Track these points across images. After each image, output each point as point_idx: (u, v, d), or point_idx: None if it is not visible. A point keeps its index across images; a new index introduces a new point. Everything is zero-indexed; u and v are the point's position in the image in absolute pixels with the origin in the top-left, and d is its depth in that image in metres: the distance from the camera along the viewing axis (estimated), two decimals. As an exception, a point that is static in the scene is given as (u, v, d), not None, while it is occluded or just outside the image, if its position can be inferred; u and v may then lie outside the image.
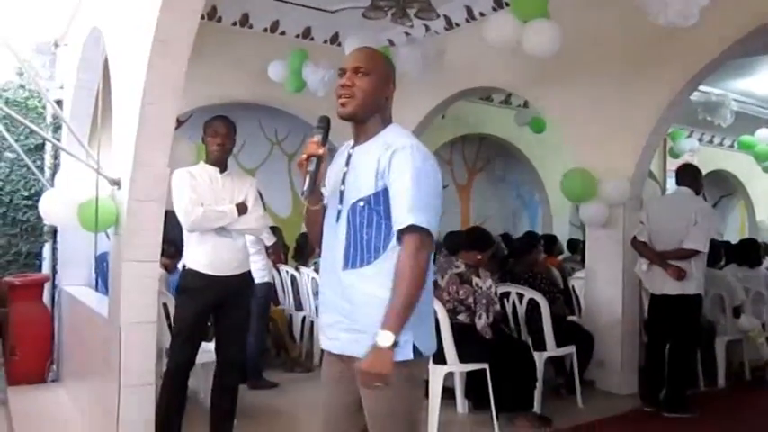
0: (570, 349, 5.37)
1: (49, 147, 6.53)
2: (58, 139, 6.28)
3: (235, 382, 4.13)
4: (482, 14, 6.87)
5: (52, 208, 4.35)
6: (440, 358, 4.65)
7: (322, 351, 2.46)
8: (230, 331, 4.03)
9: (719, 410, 5.49)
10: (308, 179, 2.27)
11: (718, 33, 5.16)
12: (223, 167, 4.07)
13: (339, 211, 2.31)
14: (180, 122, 7.23)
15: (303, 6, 7.13)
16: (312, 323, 6.82)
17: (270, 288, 6.26)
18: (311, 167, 2.26)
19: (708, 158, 12.94)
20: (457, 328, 4.70)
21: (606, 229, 6.04)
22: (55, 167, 6.47)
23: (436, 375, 4.67)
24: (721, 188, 14.83)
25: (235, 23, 7.29)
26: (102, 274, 6.28)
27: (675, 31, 4.77)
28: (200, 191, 3.90)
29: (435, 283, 4.92)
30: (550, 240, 8.70)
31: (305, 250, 7.51)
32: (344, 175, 2.33)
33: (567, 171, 6.16)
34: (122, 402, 3.59)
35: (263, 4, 7.15)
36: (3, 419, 4.97)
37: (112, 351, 3.71)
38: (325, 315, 2.37)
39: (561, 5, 5.47)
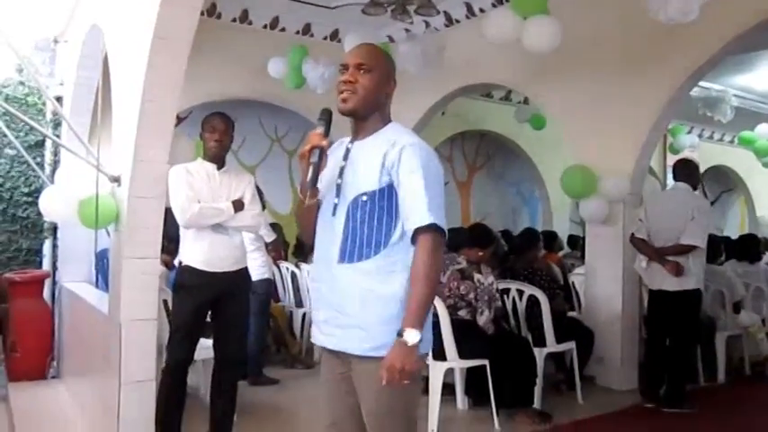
0: (570, 345, 5.37)
1: (49, 143, 6.53)
2: (58, 136, 6.28)
3: (234, 379, 4.13)
4: (482, 11, 6.87)
5: (52, 205, 4.35)
6: (440, 354, 4.66)
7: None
8: (228, 328, 4.02)
9: (719, 406, 5.50)
10: (310, 170, 2.25)
11: (718, 29, 5.16)
12: (221, 164, 4.06)
13: (336, 205, 2.30)
14: (180, 119, 7.23)
15: (303, 3, 7.13)
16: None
17: (270, 285, 6.26)
18: (314, 158, 2.24)
19: (708, 154, 12.94)
20: (457, 325, 4.71)
21: (606, 226, 6.04)
22: (55, 164, 6.46)
23: (436, 371, 4.67)
24: (721, 184, 14.83)
25: (234, 20, 7.29)
26: (103, 270, 6.28)
27: (675, 27, 4.77)
28: (198, 187, 3.90)
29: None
30: (550, 237, 8.69)
31: (305, 247, 7.50)
32: (342, 169, 2.32)
33: (567, 167, 6.16)
34: (122, 399, 3.59)
35: (262, 1, 7.15)
36: (3, 415, 4.99)
37: (113, 348, 3.71)
38: (320, 311, 2.35)
39: (561, 2, 5.46)
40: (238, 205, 3.95)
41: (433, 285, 2.16)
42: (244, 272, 4.10)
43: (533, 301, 5.29)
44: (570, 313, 6.24)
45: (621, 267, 5.93)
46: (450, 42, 6.92)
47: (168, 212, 3.83)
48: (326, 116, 2.33)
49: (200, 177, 3.95)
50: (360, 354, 2.20)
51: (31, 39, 6.47)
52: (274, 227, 6.65)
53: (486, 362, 4.69)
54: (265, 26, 7.50)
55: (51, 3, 5.97)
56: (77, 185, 4.08)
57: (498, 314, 5.05)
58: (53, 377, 6.04)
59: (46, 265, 6.64)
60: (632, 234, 5.50)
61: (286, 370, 6.35)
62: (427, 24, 7.37)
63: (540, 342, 5.15)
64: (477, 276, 4.95)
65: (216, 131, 4.00)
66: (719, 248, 6.91)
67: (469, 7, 7.00)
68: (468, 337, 4.72)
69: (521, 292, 5.42)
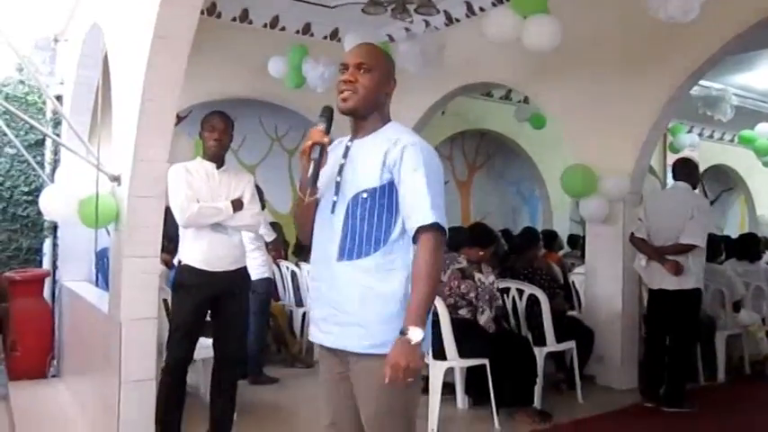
0: (570, 345, 5.37)
1: (49, 142, 6.53)
2: (58, 135, 6.28)
3: (233, 378, 4.13)
4: (482, 10, 6.87)
5: (52, 204, 4.35)
6: (440, 354, 4.66)
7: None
8: (228, 327, 4.02)
9: (719, 405, 5.50)
10: (311, 166, 2.25)
11: (718, 28, 5.16)
12: (220, 163, 4.05)
13: (334, 203, 2.29)
14: (180, 118, 7.24)
15: (303, 2, 7.13)
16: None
17: (270, 284, 6.27)
18: (315, 155, 2.24)
19: (708, 153, 12.95)
20: (457, 324, 4.71)
21: (606, 225, 6.05)
22: (55, 163, 6.46)
23: (436, 371, 4.67)
24: (721, 183, 14.84)
25: (234, 19, 7.29)
26: (103, 269, 6.29)
27: (675, 26, 4.76)
28: (197, 187, 3.89)
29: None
30: (550, 236, 8.70)
31: (305, 246, 7.50)
32: (341, 167, 2.32)
33: (567, 167, 6.16)
34: (123, 398, 3.59)
35: (262, 0, 7.14)
36: (4, 414, 4.99)
37: (113, 347, 3.71)
38: (318, 309, 2.34)
39: (561, 1, 5.46)
40: (237, 205, 3.94)
41: (434, 284, 2.16)
42: (243, 271, 4.10)
43: (533, 301, 5.29)
44: (570, 312, 6.24)
45: (621, 267, 5.93)
46: (450, 41, 6.92)
47: (168, 212, 3.83)
48: (328, 113, 2.34)
49: (199, 176, 3.95)
50: (359, 351, 2.20)
51: (31, 38, 6.47)
52: (274, 226, 6.65)
53: (486, 361, 4.69)
54: (265, 25, 7.50)
55: (51, 2, 5.96)
56: (77, 184, 4.09)
57: (499, 313, 5.05)
58: (53, 376, 6.04)
59: (46, 264, 6.64)
60: (632, 233, 5.50)
61: (286, 369, 6.35)
62: (427, 23, 7.37)
63: (541, 341, 5.15)
64: (477, 276, 4.95)
65: (215, 130, 3.99)
66: (719, 247, 6.91)
67: (469, 6, 7.00)
68: (468, 337, 4.72)
69: (521, 292, 5.42)
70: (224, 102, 6.81)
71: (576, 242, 9.54)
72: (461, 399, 5.23)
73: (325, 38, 7.87)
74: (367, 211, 2.23)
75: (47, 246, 6.66)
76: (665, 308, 5.26)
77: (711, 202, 13.62)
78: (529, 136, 10.70)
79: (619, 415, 5.18)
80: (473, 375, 5.04)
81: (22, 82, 6.61)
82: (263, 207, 5.83)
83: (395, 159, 2.22)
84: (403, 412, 2.26)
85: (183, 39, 3.44)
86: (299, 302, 7.13)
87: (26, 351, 5.88)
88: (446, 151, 11.10)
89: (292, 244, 8.03)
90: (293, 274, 7.16)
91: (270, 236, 6.18)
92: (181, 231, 3.98)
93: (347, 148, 2.36)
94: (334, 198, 2.30)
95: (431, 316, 2.25)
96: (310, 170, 2.25)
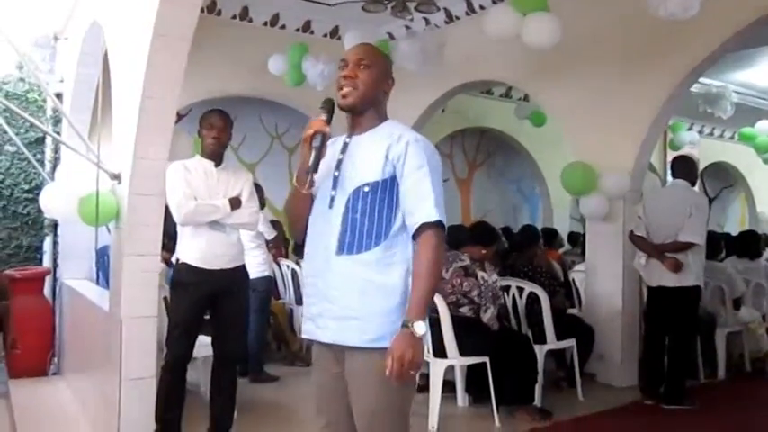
0: (570, 342, 5.37)
1: (49, 140, 6.53)
2: (59, 133, 6.28)
3: (232, 376, 4.14)
4: (482, 7, 6.86)
5: (53, 202, 4.35)
6: (441, 352, 4.66)
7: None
8: (226, 325, 4.02)
9: (720, 402, 5.51)
10: (313, 154, 2.26)
11: (718, 25, 5.16)
12: (219, 161, 4.05)
13: (333, 198, 2.30)
14: (180, 116, 7.24)
15: (303, 0, 7.11)
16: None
17: (270, 282, 6.27)
18: (316, 143, 2.26)
19: (708, 150, 12.96)
20: (458, 322, 4.71)
21: (606, 223, 6.05)
22: (55, 161, 6.46)
23: (437, 369, 4.68)
24: (722, 180, 14.83)
25: (234, 17, 7.29)
26: (103, 267, 6.29)
27: (675, 24, 4.76)
28: (195, 184, 3.90)
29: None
30: (550, 234, 8.72)
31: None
32: (340, 162, 2.33)
33: (568, 164, 6.16)
34: (123, 395, 3.60)
35: (262, -2, 7.15)
36: (4, 412, 4.99)
37: (113, 344, 3.71)
38: (313, 305, 2.33)
39: (561, -2, 5.46)
40: (235, 203, 3.94)
41: (436, 280, 2.19)
42: (241, 269, 4.10)
43: (534, 299, 5.30)
44: (570, 310, 6.24)
45: (622, 264, 5.93)
46: (450, 39, 6.92)
47: (168, 209, 3.83)
48: (329, 105, 2.35)
49: (197, 174, 3.95)
50: (358, 345, 2.20)
51: (31, 36, 6.45)
52: (275, 224, 6.66)
53: (486, 359, 4.69)
54: (265, 23, 7.49)
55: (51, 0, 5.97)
56: (78, 182, 4.08)
57: (501, 312, 5.06)
58: (54, 374, 6.05)
59: (46, 262, 6.65)
60: (631, 231, 5.50)
61: (286, 367, 6.37)
62: (427, 21, 7.36)
63: (541, 339, 5.16)
64: (480, 274, 4.95)
65: (214, 128, 3.99)
66: (720, 245, 6.92)
67: (469, 4, 7.00)
68: (469, 335, 4.72)
69: (521, 290, 5.42)
70: (224, 100, 6.81)
71: (577, 240, 9.55)
72: (462, 397, 5.23)
73: (326, 36, 7.87)
74: (368, 205, 2.24)
75: (47, 244, 6.67)
76: (665, 305, 5.27)
77: (712, 200, 13.65)
78: (529, 134, 10.69)
79: (619, 412, 5.18)
80: (473, 373, 5.05)
81: (22, 80, 6.62)
82: (264, 205, 5.84)
83: (398, 155, 2.24)
84: (400, 407, 2.26)
85: (183, 37, 3.44)
86: (300, 300, 7.11)
87: (27, 349, 5.89)
88: (446, 149, 11.10)
89: (292, 242, 8.03)
90: (293, 272, 7.16)
91: (270, 234, 6.19)
92: (179, 229, 3.99)
93: (345, 144, 2.37)
94: (332, 193, 2.31)
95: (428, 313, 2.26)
96: (312, 158, 2.26)
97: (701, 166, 12.64)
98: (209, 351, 4.18)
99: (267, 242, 6.07)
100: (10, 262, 6.46)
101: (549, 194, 11.41)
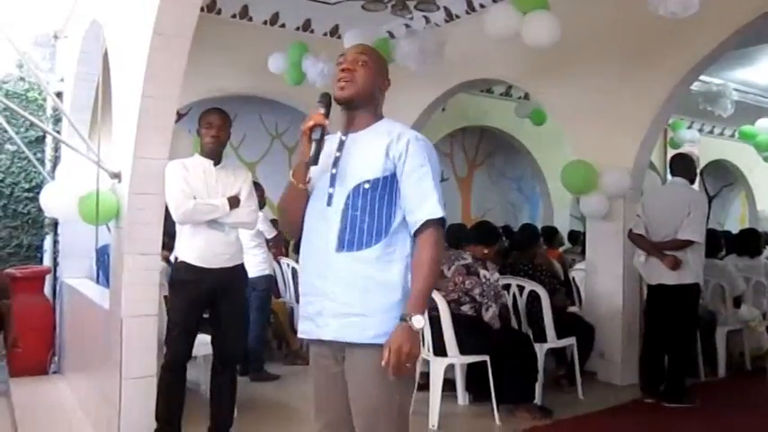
0: (571, 341, 5.38)
1: (49, 139, 6.54)
2: (59, 132, 6.28)
3: (232, 375, 4.13)
4: (482, 6, 6.86)
5: (53, 201, 4.35)
6: (441, 350, 4.66)
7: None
8: (225, 324, 4.01)
9: (720, 400, 5.51)
10: (313, 146, 2.26)
11: (718, 23, 5.15)
12: (217, 160, 4.04)
13: (331, 195, 2.30)
14: (180, 115, 7.24)
15: (303, -2, 7.12)
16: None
17: (271, 281, 6.27)
18: (316, 135, 2.26)
19: (708, 149, 12.96)
20: (458, 320, 4.71)
21: (607, 221, 6.05)
22: (55, 160, 6.47)
23: (437, 367, 4.68)
24: (722, 178, 14.83)
25: (234, 16, 7.29)
26: (104, 266, 6.28)
27: (675, 22, 4.76)
28: (193, 183, 3.89)
29: (441, 273, 4.93)
30: (551, 232, 8.72)
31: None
32: (337, 159, 2.34)
33: (568, 163, 6.16)
34: (123, 394, 3.61)
35: (262, -3, 7.15)
36: (5, 411, 5.00)
37: (114, 343, 3.72)
38: (311, 304, 2.32)
39: (561, -4, 5.46)
40: (234, 202, 3.93)
41: (435, 276, 2.22)
42: (240, 268, 4.09)
43: (534, 297, 5.30)
44: (571, 309, 6.24)
45: (622, 263, 5.93)
46: (451, 38, 6.91)
47: (168, 208, 3.83)
48: (326, 99, 2.36)
49: (196, 173, 3.94)
50: (361, 341, 2.20)
51: (31, 34, 6.47)
52: (275, 223, 6.65)
53: (486, 357, 4.69)
54: (265, 22, 7.49)
55: (51, -2, 5.98)
56: (78, 181, 4.09)
57: (502, 311, 5.05)
58: (54, 372, 6.05)
59: (47, 261, 6.65)
60: (630, 230, 5.50)
61: (287, 366, 6.36)
62: (427, 20, 7.35)
63: (541, 338, 5.16)
64: (482, 272, 4.95)
65: (212, 127, 3.98)
66: (720, 243, 6.91)
67: (469, 3, 6.99)
68: (469, 333, 4.72)
69: (521, 288, 5.43)
70: (224, 99, 6.80)
71: (577, 238, 9.55)
72: (462, 395, 5.23)
73: (326, 35, 7.87)
74: (368, 202, 2.25)
75: (47, 243, 6.68)
76: (665, 303, 5.26)
77: (712, 198, 13.66)
78: (529, 132, 10.69)
79: (619, 411, 5.18)
80: (474, 372, 5.05)
81: (22, 79, 6.62)
82: (264, 204, 5.85)
83: (400, 152, 2.27)
84: (400, 404, 2.26)
85: (183, 36, 3.44)
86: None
87: (27, 348, 5.89)
88: (446, 148, 11.10)
89: (293, 241, 8.03)
90: (294, 271, 7.16)
91: (270, 233, 6.19)
92: (178, 228, 3.98)
93: (341, 142, 2.37)
94: (330, 190, 2.31)
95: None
96: (312, 150, 2.26)
97: (702, 165, 12.67)
98: (209, 350, 4.18)
99: (267, 241, 6.07)
100: (10, 261, 6.47)
101: (549, 193, 11.40)
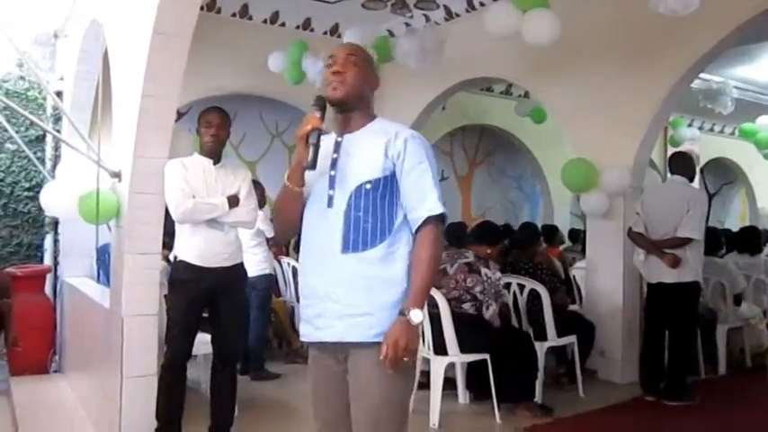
0: (571, 339, 5.38)
1: (49, 138, 6.53)
2: (59, 131, 6.28)
3: (232, 374, 4.14)
4: (482, 4, 6.86)
5: (53, 200, 4.35)
6: (441, 349, 4.66)
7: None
8: (225, 323, 4.01)
9: (720, 398, 5.51)
10: (311, 150, 2.26)
11: (718, 21, 5.15)
12: (217, 159, 4.04)
13: (331, 197, 2.30)
14: (180, 114, 7.23)
15: (303, -3, 7.12)
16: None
17: (271, 280, 6.28)
18: (314, 140, 2.26)
19: (709, 146, 12.95)
20: (459, 319, 4.71)
21: (607, 219, 6.05)
22: (56, 159, 6.47)
23: (438, 366, 4.68)
24: (722, 176, 14.82)
25: (234, 15, 7.28)
26: (104, 265, 6.29)
27: (675, 20, 4.75)
28: (193, 182, 3.88)
29: (443, 272, 4.94)
30: (551, 230, 8.72)
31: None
32: (334, 160, 2.33)
33: (568, 161, 6.16)
34: (124, 393, 3.61)
35: (262, -4, 7.14)
36: (6, 410, 5.00)
37: (114, 342, 3.72)
38: (310, 306, 2.32)
39: (561, -5, 5.45)
40: (233, 201, 3.93)
41: (435, 272, 2.25)
42: (239, 267, 4.09)
43: (534, 296, 5.30)
44: (571, 307, 6.25)
45: (622, 261, 5.93)
46: (451, 36, 6.89)
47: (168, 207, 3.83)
48: (321, 102, 2.36)
49: (195, 172, 3.93)
50: (365, 340, 2.20)
51: (31, 33, 6.46)
52: (276, 222, 6.64)
53: (487, 356, 4.69)
54: (265, 21, 7.49)
55: (51, -2, 5.98)
56: (78, 180, 4.09)
57: (503, 310, 5.05)
58: (55, 371, 6.06)
59: (47, 260, 6.65)
60: (629, 228, 5.50)
61: (287, 365, 6.36)
62: (427, 18, 7.35)
63: (542, 336, 5.16)
64: (484, 271, 4.95)
65: (212, 126, 3.98)
66: (720, 241, 6.91)
67: (469, 1, 6.98)
68: (470, 332, 4.72)
69: (522, 287, 5.43)
70: (224, 97, 6.79)
71: (577, 236, 9.54)
72: (462, 394, 5.23)
73: (326, 33, 7.86)
74: (371, 202, 2.26)
75: (48, 242, 6.68)
76: (664, 301, 5.26)
77: (712, 196, 13.65)
78: (529, 131, 10.67)
79: (620, 408, 5.19)
80: (474, 370, 5.05)
81: (22, 78, 6.62)
82: (264, 203, 5.85)
83: (398, 151, 2.28)
84: (401, 400, 2.27)
85: (183, 35, 3.44)
86: (300, 298, 7.12)
87: (28, 346, 5.89)
88: (446, 146, 11.08)
89: (293, 240, 8.03)
90: (294, 270, 7.16)
91: (271, 232, 6.18)
92: (177, 227, 3.98)
93: (338, 143, 2.37)
94: (330, 192, 2.30)
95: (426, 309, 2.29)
96: (310, 154, 2.26)
97: (702, 162, 12.66)
98: (210, 349, 4.18)
99: (267, 240, 6.07)
100: (11, 260, 6.47)
101: (549, 191, 11.39)
